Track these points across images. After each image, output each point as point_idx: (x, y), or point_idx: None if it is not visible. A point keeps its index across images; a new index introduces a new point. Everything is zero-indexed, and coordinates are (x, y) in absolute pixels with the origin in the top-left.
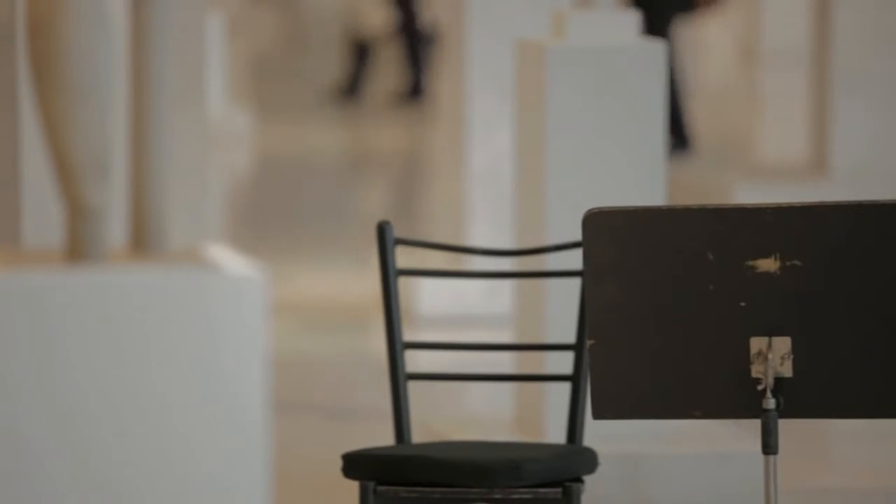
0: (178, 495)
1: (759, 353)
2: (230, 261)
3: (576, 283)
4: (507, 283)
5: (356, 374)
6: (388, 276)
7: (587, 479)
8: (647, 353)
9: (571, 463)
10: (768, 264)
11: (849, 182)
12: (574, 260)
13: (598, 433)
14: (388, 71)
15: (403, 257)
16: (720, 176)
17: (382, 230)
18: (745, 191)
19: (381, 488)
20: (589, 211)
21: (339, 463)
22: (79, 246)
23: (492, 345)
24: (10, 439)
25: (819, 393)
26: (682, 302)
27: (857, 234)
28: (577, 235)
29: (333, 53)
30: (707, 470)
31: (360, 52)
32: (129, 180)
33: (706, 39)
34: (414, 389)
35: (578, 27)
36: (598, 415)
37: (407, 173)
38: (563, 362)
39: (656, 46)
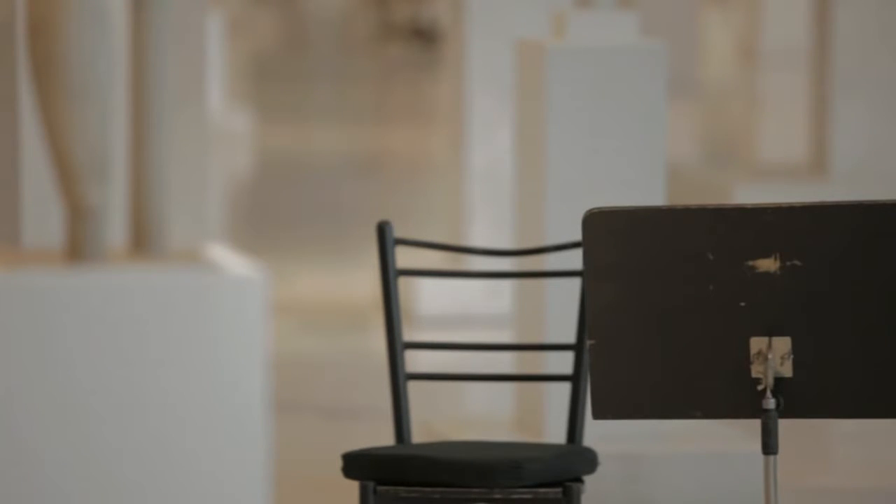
0: (178, 495)
1: (759, 353)
2: (231, 261)
3: (576, 283)
4: (507, 283)
5: (356, 374)
6: (388, 276)
7: (587, 479)
8: (647, 353)
9: (571, 463)
10: (768, 264)
11: (849, 182)
12: (574, 260)
13: (598, 433)
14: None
15: (403, 257)
16: (720, 176)
17: (382, 230)
18: (745, 191)
19: (381, 488)
20: (589, 211)
21: (339, 463)
22: (79, 246)
23: (492, 345)
24: (10, 439)
25: (819, 393)
26: (682, 302)
27: (857, 234)
28: (577, 235)
29: (333, 53)
30: (707, 470)
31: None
32: (129, 180)
33: (706, 39)
34: (414, 389)
35: (578, 27)
36: (598, 415)
37: (407, 173)
38: (563, 362)
39: (656, 46)
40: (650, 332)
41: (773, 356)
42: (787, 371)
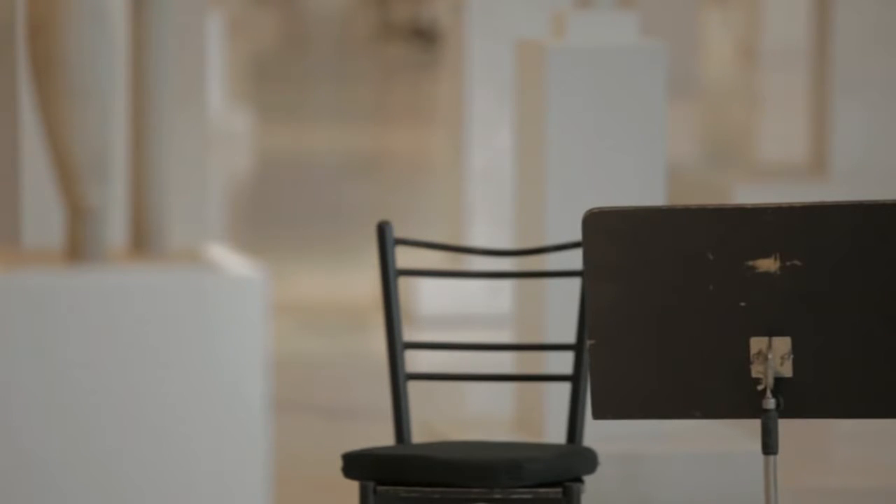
0: (178, 495)
1: (759, 353)
2: (230, 261)
3: (576, 283)
4: (507, 283)
5: (356, 374)
6: (388, 276)
7: (587, 479)
8: (647, 353)
9: (571, 463)
10: (768, 264)
11: (849, 182)
12: (574, 260)
13: (598, 433)
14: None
15: (403, 257)
16: (720, 176)
17: (382, 230)
18: (745, 191)
19: (381, 488)
20: (589, 211)
21: (339, 463)
22: (79, 246)
23: (492, 345)
24: (9, 439)
25: (819, 393)
26: (682, 302)
27: (857, 234)
28: (577, 235)
29: (333, 53)
30: (707, 470)
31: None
32: (129, 180)
33: (706, 39)
34: (414, 389)
35: (578, 27)
36: (598, 415)
37: (407, 173)
38: (563, 362)
39: (656, 46)
40: (650, 332)
41: (773, 356)
42: (787, 371)
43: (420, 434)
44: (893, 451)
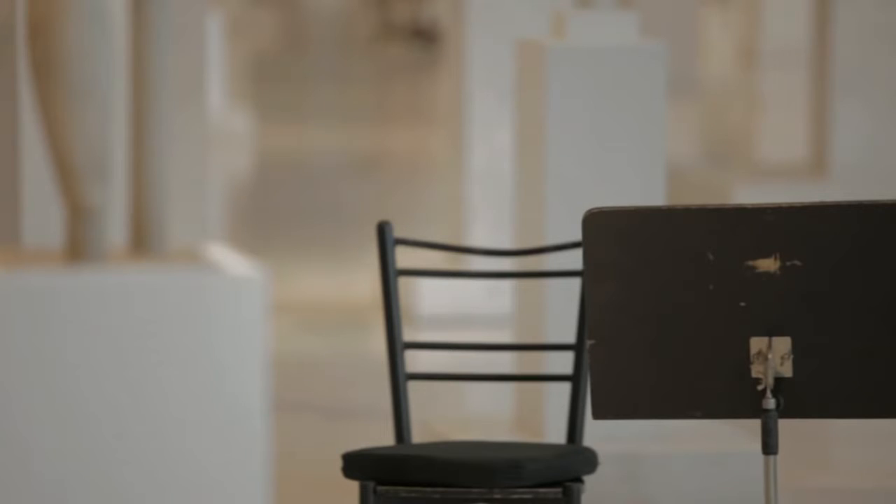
0: (178, 495)
1: (759, 353)
2: (230, 261)
3: (576, 283)
4: (507, 283)
5: (356, 374)
6: (388, 276)
7: (587, 479)
8: (647, 353)
9: (571, 463)
10: (768, 264)
11: (849, 182)
12: (574, 260)
13: (598, 433)
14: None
15: (403, 257)
16: (720, 176)
17: (382, 230)
18: (745, 191)
19: (381, 488)
20: (589, 211)
21: (339, 463)
22: (79, 246)
23: (492, 345)
24: (10, 439)
25: (819, 393)
26: (682, 302)
27: (857, 234)
28: (577, 235)
29: (333, 53)
30: (707, 470)
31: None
32: (129, 180)
33: (706, 39)
34: (414, 389)
35: (578, 27)
36: (598, 415)
37: (407, 173)
38: (563, 362)
39: (656, 46)
40: (650, 332)
41: (773, 356)
42: (787, 371)
43: (420, 434)
44: (893, 451)
